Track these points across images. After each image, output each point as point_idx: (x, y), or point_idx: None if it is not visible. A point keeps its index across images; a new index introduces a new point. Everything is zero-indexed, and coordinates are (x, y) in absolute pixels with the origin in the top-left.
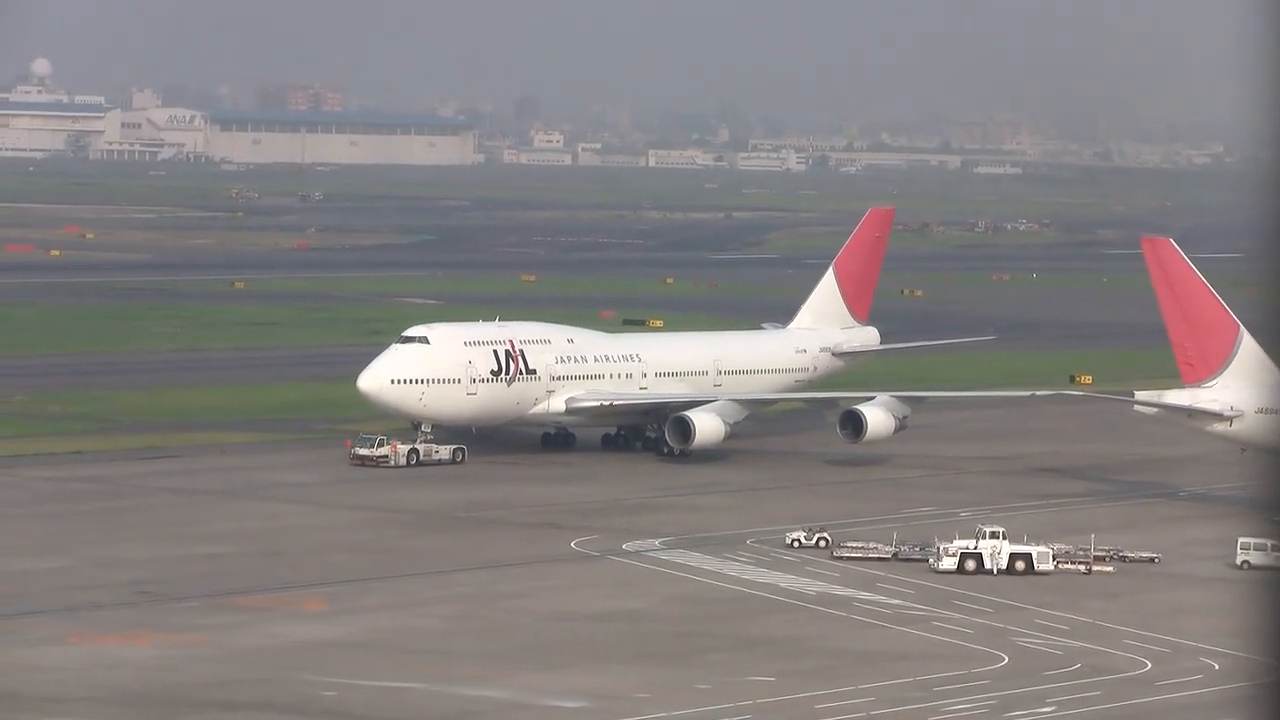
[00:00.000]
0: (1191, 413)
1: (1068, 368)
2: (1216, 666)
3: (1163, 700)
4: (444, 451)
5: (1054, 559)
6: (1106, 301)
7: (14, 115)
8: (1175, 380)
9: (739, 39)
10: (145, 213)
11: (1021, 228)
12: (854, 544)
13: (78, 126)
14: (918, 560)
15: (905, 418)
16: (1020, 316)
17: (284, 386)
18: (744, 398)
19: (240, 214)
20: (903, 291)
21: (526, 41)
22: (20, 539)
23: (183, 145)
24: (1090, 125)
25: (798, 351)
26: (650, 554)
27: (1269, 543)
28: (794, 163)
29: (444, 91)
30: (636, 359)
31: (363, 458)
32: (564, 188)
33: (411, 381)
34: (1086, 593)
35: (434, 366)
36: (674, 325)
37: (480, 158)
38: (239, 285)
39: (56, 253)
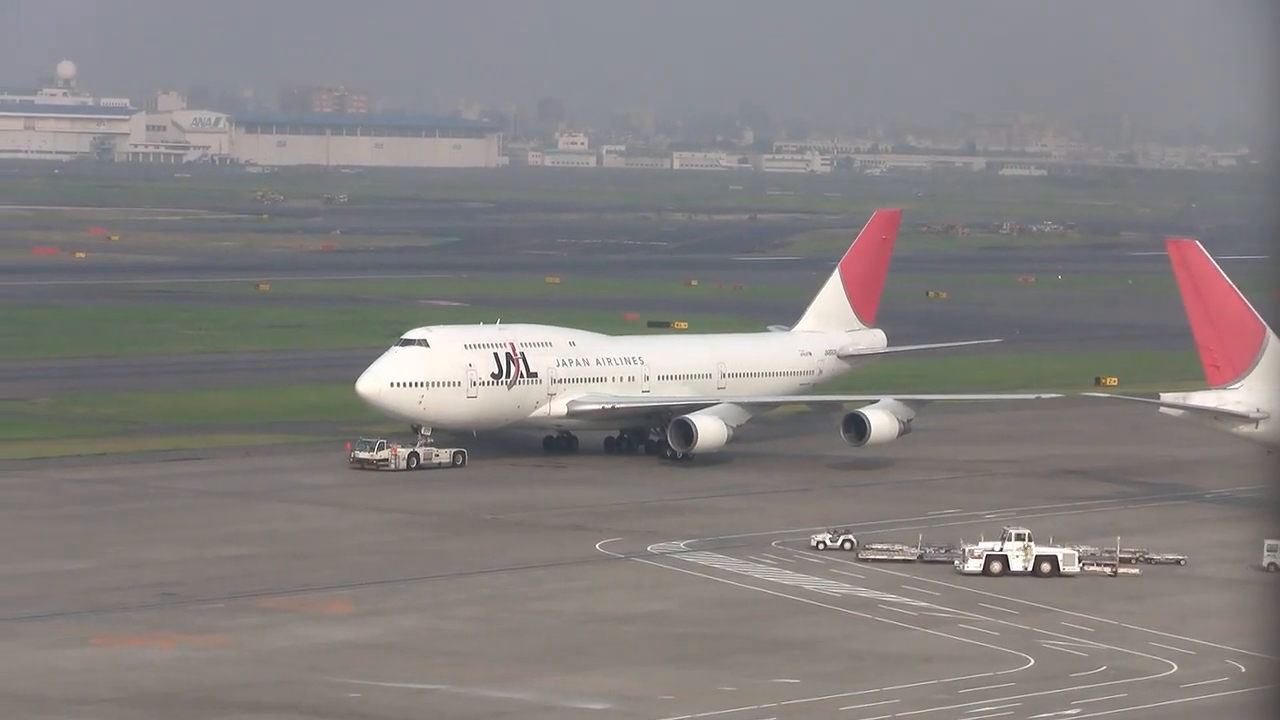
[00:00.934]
0: (1217, 415)
1: (1093, 369)
2: (1242, 669)
3: (1188, 703)
4: (444, 455)
5: (1079, 561)
6: (1132, 303)
7: (40, 118)
8: (1201, 382)
9: (763, 41)
10: (170, 215)
11: (1046, 229)
12: (879, 546)
13: (103, 129)
14: (943, 562)
15: (910, 421)
16: (1045, 318)
17: (309, 389)
18: (747, 401)
19: (265, 216)
20: (928, 293)
21: (551, 44)
22: (46, 540)
23: (208, 148)
24: (1115, 127)
25: (802, 354)
26: (675, 556)
27: None
28: (818, 164)
29: (468, 94)
30: (639, 362)
31: (362, 461)
32: (588, 190)
33: (411, 385)
34: (1112, 595)
35: (433, 369)
36: (698, 327)
37: (504, 160)
38: (264, 288)
39: (82, 255)
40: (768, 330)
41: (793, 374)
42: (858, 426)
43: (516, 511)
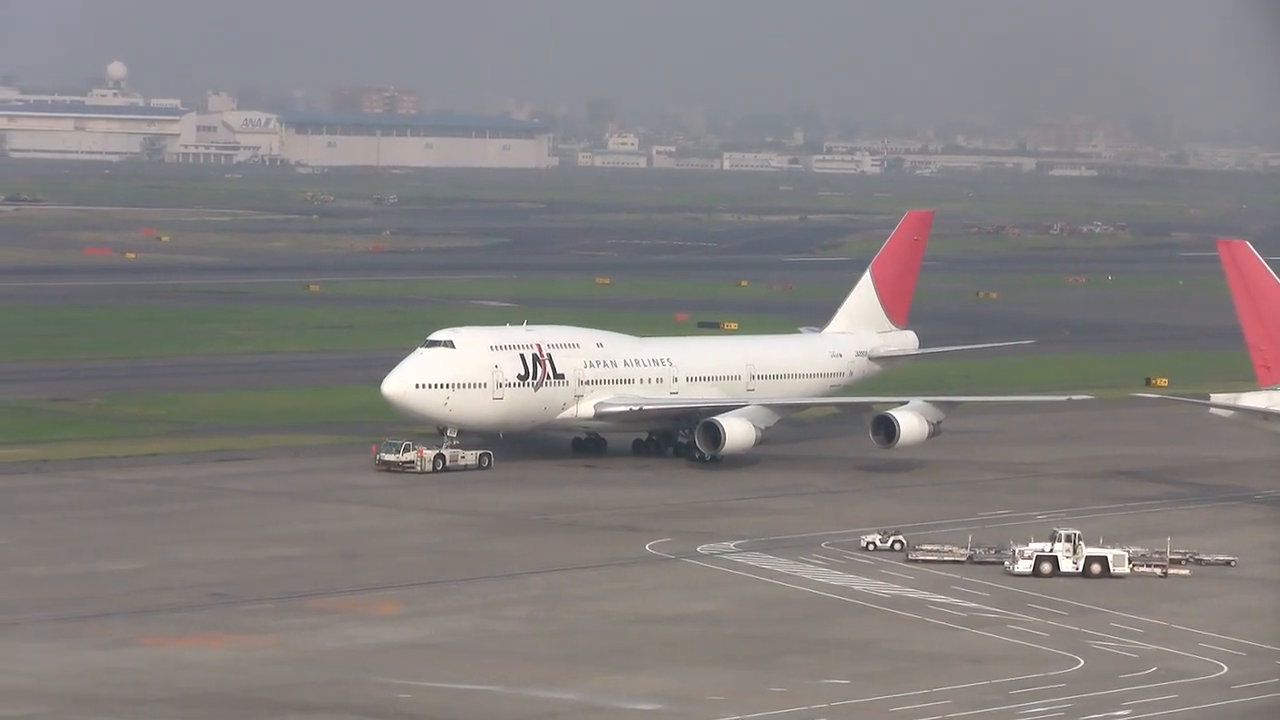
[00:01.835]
0: (1268, 415)
1: (1143, 370)
2: None
3: (1239, 704)
4: (470, 457)
5: (1129, 562)
6: (1182, 304)
7: (90, 119)
8: (1251, 383)
9: (813, 41)
10: (220, 215)
11: (1096, 230)
12: (929, 547)
13: (153, 129)
14: (993, 563)
15: (939, 423)
16: (1095, 319)
17: (358, 389)
18: (775, 402)
19: (315, 217)
20: (978, 294)
21: (601, 45)
22: (96, 541)
23: (258, 148)
24: (1165, 127)
25: (833, 356)
26: (725, 556)
27: None
28: (868, 165)
29: (518, 95)
30: (667, 363)
31: (388, 463)
32: (638, 190)
33: (437, 386)
34: (1162, 596)
35: (459, 371)
36: (748, 328)
37: (554, 161)
38: (314, 288)
39: (132, 255)
40: (799, 331)
41: (822, 375)
42: (887, 428)
43: (566, 512)
